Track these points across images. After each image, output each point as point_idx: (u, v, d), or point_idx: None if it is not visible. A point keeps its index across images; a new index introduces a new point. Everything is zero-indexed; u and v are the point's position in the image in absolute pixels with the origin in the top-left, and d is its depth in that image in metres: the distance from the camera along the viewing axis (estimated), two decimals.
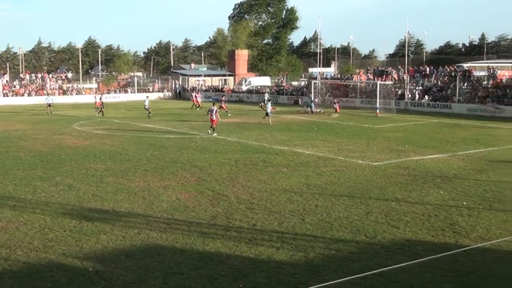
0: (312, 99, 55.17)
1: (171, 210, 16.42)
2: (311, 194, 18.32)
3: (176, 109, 56.81)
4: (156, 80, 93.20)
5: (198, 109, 53.79)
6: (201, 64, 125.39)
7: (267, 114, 41.25)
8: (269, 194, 18.36)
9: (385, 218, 15.45)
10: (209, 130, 34.66)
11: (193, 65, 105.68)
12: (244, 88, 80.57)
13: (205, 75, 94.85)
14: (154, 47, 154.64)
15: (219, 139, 32.39)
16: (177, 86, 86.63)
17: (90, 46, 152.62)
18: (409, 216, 15.65)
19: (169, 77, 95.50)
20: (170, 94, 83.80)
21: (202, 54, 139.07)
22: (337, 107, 49.77)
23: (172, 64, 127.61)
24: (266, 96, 58.09)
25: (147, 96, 53.07)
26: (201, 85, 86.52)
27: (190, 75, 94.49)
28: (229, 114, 47.56)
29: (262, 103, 52.05)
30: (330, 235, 14.01)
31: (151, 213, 16.13)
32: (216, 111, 35.02)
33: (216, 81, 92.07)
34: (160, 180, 20.62)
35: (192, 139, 32.35)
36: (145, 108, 47.77)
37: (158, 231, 14.36)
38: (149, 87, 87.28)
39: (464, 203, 17.11)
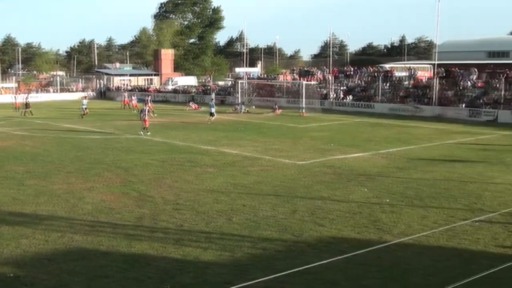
0: (239, 99, 55.40)
1: (95, 212, 16.07)
2: (238, 194, 18.37)
3: (100, 109, 55.60)
4: (79, 80, 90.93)
5: (135, 111, 50.84)
6: (126, 63, 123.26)
7: (211, 114, 42.30)
8: (195, 195, 18.29)
9: (311, 217, 15.69)
10: (142, 131, 34.30)
11: (117, 64, 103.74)
12: (170, 87, 79.87)
13: (130, 75, 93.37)
14: (77, 46, 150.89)
15: (145, 139, 31.98)
16: (101, 85, 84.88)
17: (9, 44, 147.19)
18: (334, 214, 15.96)
19: (93, 76, 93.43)
20: (94, 94, 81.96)
21: (127, 53, 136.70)
22: (277, 108, 51.64)
23: (95, 63, 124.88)
24: (213, 95, 58.11)
25: (85, 97, 52.04)
26: (126, 84, 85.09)
27: (115, 75, 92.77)
28: (155, 115, 46.96)
29: (236, 106, 53.75)
30: (257, 234, 14.10)
31: (74, 216, 15.74)
32: (148, 111, 34.88)
33: (141, 81, 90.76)
34: (84, 182, 20.15)
35: (117, 140, 31.78)
36: (82, 108, 46.33)
37: (82, 234, 14.04)
38: (71, 87, 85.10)
39: (387, 200, 17.61)
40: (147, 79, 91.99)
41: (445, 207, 16.87)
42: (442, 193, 18.67)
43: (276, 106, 52.45)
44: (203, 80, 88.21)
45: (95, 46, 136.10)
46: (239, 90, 60.09)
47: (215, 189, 19.10)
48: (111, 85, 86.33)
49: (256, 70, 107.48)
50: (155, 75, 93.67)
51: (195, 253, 12.73)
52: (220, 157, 25.93)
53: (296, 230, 14.45)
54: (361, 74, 61.74)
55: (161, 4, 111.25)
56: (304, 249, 13.03)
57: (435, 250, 12.99)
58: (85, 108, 46.26)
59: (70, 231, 14.23)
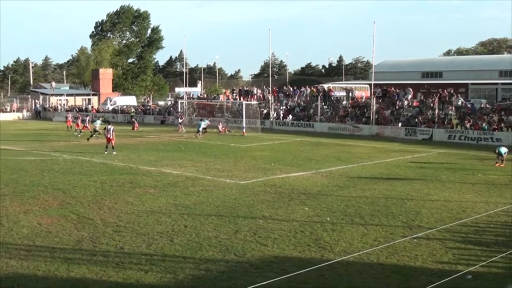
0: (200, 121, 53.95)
1: (32, 236, 15.60)
2: (180, 215, 18.21)
3: (36, 129, 54.29)
4: (14, 100, 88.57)
5: (77, 133, 49.29)
6: (63, 83, 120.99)
7: (198, 130, 45.26)
8: (136, 216, 18.02)
9: (253, 236, 15.70)
10: (106, 150, 34.31)
11: (54, 84, 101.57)
12: (109, 107, 78.81)
13: (67, 95, 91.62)
14: (12, 65, 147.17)
15: (83, 160, 31.35)
16: (37, 105, 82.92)
17: None
18: (276, 233, 16.01)
19: (29, 96, 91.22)
20: (30, 114, 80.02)
21: (64, 73, 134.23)
22: (221, 127, 52.55)
23: (31, 82, 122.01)
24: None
25: (99, 118, 50.25)
26: (64, 104, 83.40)
27: (51, 94, 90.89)
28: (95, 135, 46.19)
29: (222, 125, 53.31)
30: (199, 255, 13.99)
31: (10, 240, 15.22)
32: (113, 130, 35.02)
33: (79, 101, 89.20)
34: (20, 205, 19.55)
35: (54, 161, 31.03)
36: (95, 130, 44.23)
37: (18, 258, 13.58)
38: (6, 107, 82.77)
39: (328, 219, 17.81)
40: (86, 99, 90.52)
41: (385, 224, 17.20)
42: (382, 210, 19.03)
43: (220, 125, 53.07)
44: (143, 100, 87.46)
45: (31, 65, 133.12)
46: (179, 110, 59.91)
47: (156, 210, 18.88)
48: (48, 105, 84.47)
49: (197, 90, 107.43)
50: (93, 94, 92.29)
51: (136, 276, 12.51)
52: (162, 177, 25.69)
53: (239, 250, 14.41)
54: (301, 94, 62.57)
55: (98, 23, 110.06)
56: (247, 269, 13.00)
57: (376, 267, 13.20)
58: (98, 130, 43.88)
59: (5, 256, 13.75)
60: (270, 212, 18.69)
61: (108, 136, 34.85)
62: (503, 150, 30.19)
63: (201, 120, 48.76)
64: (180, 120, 54.52)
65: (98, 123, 44.65)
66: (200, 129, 45.54)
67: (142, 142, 41.70)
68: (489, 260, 13.61)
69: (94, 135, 43.26)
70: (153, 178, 25.39)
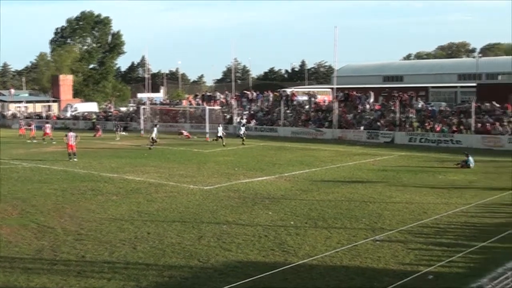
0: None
1: None
2: (143, 222, 18.07)
3: None
4: None
5: (30, 140, 48.50)
6: (22, 89, 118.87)
7: (220, 137, 44.06)
8: (98, 224, 17.80)
9: (217, 242, 15.66)
10: (69, 157, 34.09)
11: (12, 91, 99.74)
12: (70, 114, 77.77)
13: (26, 101, 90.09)
14: None
15: (43, 168, 30.85)
16: None
17: None
18: (240, 238, 16.01)
19: None
20: None
21: (23, 79, 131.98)
22: (186, 133, 52.92)
23: None
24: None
25: (156, 125, 46.19)
26: (23, 111, 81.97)
27: (10, 102, 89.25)
28: (54, 142, 45.55)
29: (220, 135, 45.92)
30: (163, 262, 13.90)
31: None
32: (75, 137, 35.06)
33: (39, 108, 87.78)
34: None
35: (13, 169, 30.45)
36: (153, 138, 42.35)
37: None
38: None
39: (292, 223, 17.89)
40: (46, 106, 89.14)
41: (348, 227, 17.35)
42: (345, 213, 19.20)
43: (184, 132, 53.29)
44: (105, 106, 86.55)
45: None
46: (141, 116, 59.47)
47: (118, 218, 18.68)
48: (6, 113, 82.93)
49: (159, 96, 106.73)
50: (54, 101, 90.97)
51: (98, 284, 12.36)
52: (124, 184, 25.44)
53: (202, 256, 14.37)
54: (264, 99, 62.76)
55: (58, 29, 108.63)
56: (211, 275, 12.97)
57: (339, 270, 13.30)
58: (155, 138, 42.68)
59: None
60: (234, 217, 18.68)
61: (70, 142, 34.49)
62: (472, 161, 30.55)
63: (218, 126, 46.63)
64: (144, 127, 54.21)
65: (155, 131, 42.95)
66: (219, 134, 44.31)
67: (104, 148, 41.23)
68: (450, 260, 13.85)
69: (153, 144, 41.99)
70: (115, 185, 25.13)
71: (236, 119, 58.50)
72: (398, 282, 12.31)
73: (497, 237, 15.91)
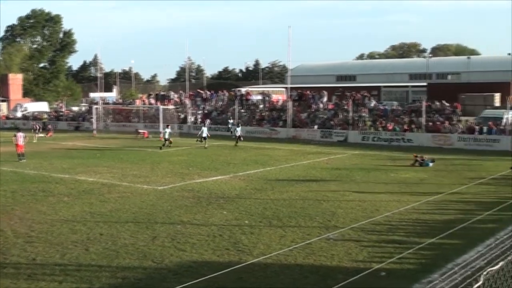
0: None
1: None
2: (95, 223, 17.81)
3: None
4: None
5: None
6: None
7: (205, 138, 42.78)
8: (50, 226, 17.46)
9: (171, 242, 15.56)
10: (20, 158, 33.54)
11: None
12: (19, 114, 76.08)
13: None
14: None
15: None
16: None
17: None
18: (195, 238, 15.95)
19: None
20: None
21: None
22: (145, 133, 52.20)
23: None
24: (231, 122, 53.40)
25: (168, 126, 45.02)
26: None
27: None
28: None
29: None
30: (116, 263, 13.72)
31: None
32: (24, 137, 34.66)
33: None
34: None
35: None
36: (165, 139, 42.70)
37: None
38: None
39: (246, 222, 17.91)
40: None
41: (302, 225, 17.48)
42: (299, 212, 19.33)
43: (141, 131, 52.53)
44: (56, 106, 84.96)
45: None
46: (94, 115, 58.67)
47: (70, 219, 18.36)
48: None
49: (112, 95, 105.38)
50: (2, 101, 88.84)
51: (49, 287, 12.12)
52: (76, 185, 25.03)
53: (156, 256, 14.25)
54: (218, 98, 62.69)
55: (8, 27, 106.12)
56: (165, 275, 12.87)
57: (294, 268, 13.38)
58: (168, 138, 42.59)
59: None
60: (188, 217, 18.59)
61: (19, 143, 33.83)
62: (430, 164, 31.10)
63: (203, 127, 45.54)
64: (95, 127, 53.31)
65: (167, 132, 42.88)
66: (204, 135, 42.89)
67: (55, 149, 40.47)
68: (401, 256, 14.10)
69: (166, 144, 41.83)
70: (67, 186, 24.70)
71: (190, 118, 58.24)
72: (351, 279, 12.47)
73: (446, 233, 16.27)
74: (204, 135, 43.00)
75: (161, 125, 51.38)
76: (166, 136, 42.62)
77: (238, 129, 45.64)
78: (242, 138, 44.72)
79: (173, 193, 22.87)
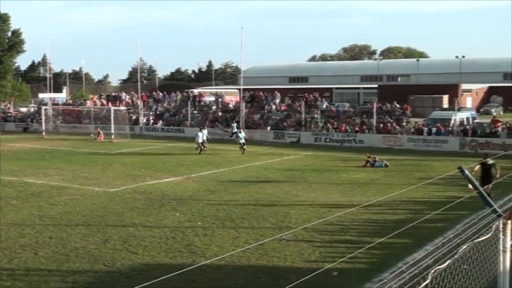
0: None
1: None
2: (45, 226, 17.46)
3: None
4: None
5: None
6: None
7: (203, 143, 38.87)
8: None
9: (123, 245, 15.39)
10: None
11: None
12: None
13: None
14: None
15: None
16: None
17: None
18: (147, 241, 15.81)
19: None
20: None
21: None
22: (101, 134, 50.84)
23: None
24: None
25: (201, 129, 40.92)
26: None
27: None
28: None
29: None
30: (66, 267, 13.49)
31: None
32: None
33: None
34: None
35: None
36: (197, 143, 38.86)
37: None
38: None
39: (199, 223, 17.86)
40: None
41: (255, 226, 17.53)
42: (252, 213, 19.38)
43: (101, 132, 51.55)
44: (3, 107, 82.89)
45: None
46: (43, 116, 57.52)
47: (19, 222, 17.95)
48: None
49: (62, 96, 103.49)
50: None
51: None
52: (25, 187, 24.49)
53: (108, 259, 14.07)
54: (171, 99, 62.34)
55: None
56: (117, 279, 12.73)
57: (247, 269, 13.42)
58: (201, 143, 38.90)
59: None
60: (141, 219, 18.43)
61: None
62: (379, 166, 31.52)
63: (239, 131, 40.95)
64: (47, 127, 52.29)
65: (201, 135, 39.17)
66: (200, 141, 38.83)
67: (3, 150, 39.50)
68: (353, 256, 14.27)
69: (203, 148, 38.83)
70: (15, 189, 24.14)
71: (143, 119, 57.72)
72: (303, 279, 12.56)
73: (396, 232, 16.55)
74: (200, 140, 38.86)
75: (112, 126, 50.74)
76: (199, 141, 38.57)
77: (241, 135, 39.56)
78: (245, 146, 38.97)
79: (125, 195, 22.62)
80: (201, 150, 38.38)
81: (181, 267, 13.41)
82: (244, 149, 38.41)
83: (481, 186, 16.66)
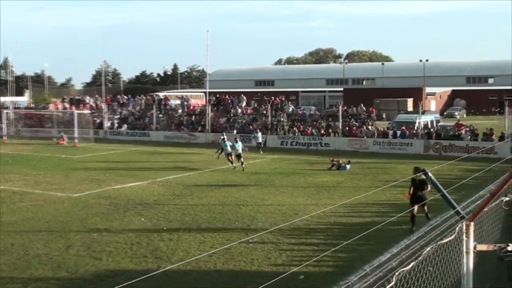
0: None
1: None
2: (6, 233, 17.14)
3: None
4: None
5: None
6: None
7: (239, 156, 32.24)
8: None
9: (87, 251, 15.20)
10: None
11: None
12: None
13: None
14: None
15: None
16: None
17: None
18: (112, 246, 15.64)
19: None
20: None
21: None
22: (64, 138, 50.12)
23: None
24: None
25: (223, 139, 35.57)
26: None
27: None
28: None
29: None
30: (28, 274, 13.26)
31: None
32: None
33: None
34: None
35: None
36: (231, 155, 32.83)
37: None
38: None
39: (165, 228, 17.74)
40: None
41: (222, 231, 17.49)
42: (218, 217, 19.34)
43: (64, 136, 50.84)
44: None
45: None
46: (4, 120, 56.50)
47: None
48: None
49: (24, 99, 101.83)
50: None
51: None
52: None
53: (71, 266, 13.87)
54: (136, 103, 61.92)
55: None
56: (80, 286, 12.57)
57: (213, 274, 13.38)
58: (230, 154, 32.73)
59: None
60: (105, 225, 18.22)
61: None
62: (347, 168, 31.69)
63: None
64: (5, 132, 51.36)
65: (237, 146, 32.73)
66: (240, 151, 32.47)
67: None
68: (319, 259, 14.35)
69: (233, 159, 32.56)
70: None
71: (107, 123, 57.15)
72: (269, 282, 12.57)
73: (362, 234, 16.69)
74: (229, 151, 32.65)
75: (75, 130, 50.04)
76: (229, 150, 32.79)
77: (238, 144, 32.89)
78: (243, 159, 32.47)
79: (89, 201, 22.36)
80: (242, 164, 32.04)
81: (147, 273, 13.29)
82: (242, 163, 32.00)
83: (412, 206, 16.92)
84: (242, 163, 31.93)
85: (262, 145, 42.50)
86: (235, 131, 49.25)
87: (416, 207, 17.07)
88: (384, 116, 63.83)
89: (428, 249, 6.70)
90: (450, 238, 6.96)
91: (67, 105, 64.85)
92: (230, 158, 32.46)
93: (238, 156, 32.26)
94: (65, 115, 59.77)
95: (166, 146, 46.03)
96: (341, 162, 32.16)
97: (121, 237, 16.66)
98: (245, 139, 47.30)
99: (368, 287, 5.93)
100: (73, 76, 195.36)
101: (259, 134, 43.67)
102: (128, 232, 17.24)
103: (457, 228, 7.00)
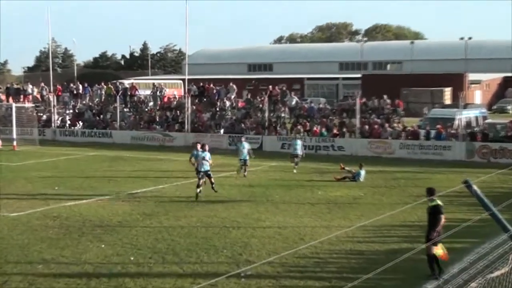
0: None
1: None
2: None
3: None
4: None
5: None
6: None
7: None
8: None
9: None
10: None
11: None
12: None
13: None
14: None
15: None
16: None
17: None
18: (61, 283, 15.60)
19: None
20: None
21: None
22: None
23: None
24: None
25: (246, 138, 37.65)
26: None
27: None
28: None
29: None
30: None
31: None
32: None
33: None
34: None
35: None
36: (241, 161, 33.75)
37: None
38: None
39: (132, 258, 17.70)
40: None
41: (205, 261, 17.45)
42: (201, 243, 19.30)
43: None
44: None
45: None
46: None
47: None
48: None
49: None
50: None
51: None
52: None
53: None
54: (94, 93, 61.82)
55: None
56: None
57: None
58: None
59: None
60: (53, 254, 18.16)
61: None
62: (362, 176, 31.54)
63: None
64: None
65: (242, 148, 33.73)
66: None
67: None
68: None
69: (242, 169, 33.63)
70: None
71: (56, 120, 57.03)
72: None
73: (387, 265, 16.66)
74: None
75: (14, 129, 49.85)
76: (244, 155, 33.45)
77: (244, 146, 33.86)
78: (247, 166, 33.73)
79: (32, 222, 22.29)
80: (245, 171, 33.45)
81: None
82: (245, 170, 33.44)
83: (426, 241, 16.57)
84: (245, 170, 33.45)
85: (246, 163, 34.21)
86: (222, 131, 49.22)
87: (435, 247, 15.97)
88: (414, 111, 63.90)
89: (475, 285, 6.67)
90: (503, 270, 6.93)
91: (2, 97, 64.65)
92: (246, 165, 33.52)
93: (244, 162, 33.38)
94: (0, 110, 59.67)
95: (134, 150, 45.97)
96: (354, 171, 31.95)
97: (74, 270, 16.61)
98: (235, 140, 47.38)
99: None
100: (9, 58, 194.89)
101: (245, 144, 34.67)
102: (84, 263, 17.19)
103: (510, 257, 6.97)
